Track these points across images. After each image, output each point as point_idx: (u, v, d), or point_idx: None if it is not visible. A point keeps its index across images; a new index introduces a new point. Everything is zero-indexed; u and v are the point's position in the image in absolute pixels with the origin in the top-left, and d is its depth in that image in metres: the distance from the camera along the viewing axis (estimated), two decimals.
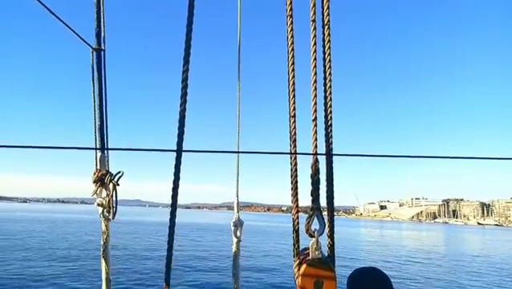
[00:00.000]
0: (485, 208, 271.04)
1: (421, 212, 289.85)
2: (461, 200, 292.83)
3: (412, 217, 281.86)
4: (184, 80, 1.78)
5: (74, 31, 1.88)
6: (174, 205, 1.73)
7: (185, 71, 1.79)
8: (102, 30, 1.99)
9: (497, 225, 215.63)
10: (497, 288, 17.90)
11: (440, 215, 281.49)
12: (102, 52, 1.99)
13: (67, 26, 1.79)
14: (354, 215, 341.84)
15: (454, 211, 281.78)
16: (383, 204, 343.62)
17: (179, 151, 1.75)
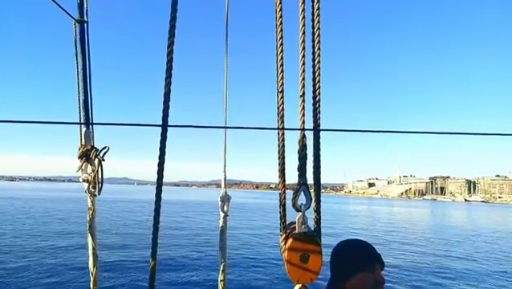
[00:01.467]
0: (471, 185, 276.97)
1: (409, 189, 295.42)
2: (448, 177, 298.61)
3: (401, 194, 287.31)
4: (169, 54, 1.75)
5: (55, 2, 1.82)
6: (160, 181, 1.73)
7: (170, 45, 1.76)
8: (84, 0, 1.93)
9: (483, 201, 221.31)
10: (486, 261, 18.51)
11: (427, 192, 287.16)
12: (85, 24, 1.93)
13: None
14: (343, 192, 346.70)
15: (442, 188, 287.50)
16: (371, 181, 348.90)
17: (164, 126, 1.74)
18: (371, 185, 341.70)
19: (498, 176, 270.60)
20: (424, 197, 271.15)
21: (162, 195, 1.68)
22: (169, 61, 1.74)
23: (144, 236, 20.46)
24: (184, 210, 44.27)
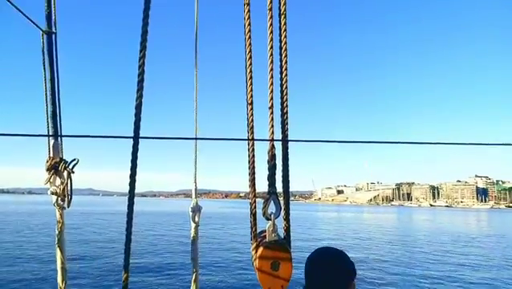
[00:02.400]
0: (435, 190, 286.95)
1: (377, 196, 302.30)
2: (413, 184, 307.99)
3: (370, 200, 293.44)
4: (141, 66, 1.77)
5: (23, 13, 1.80)
6: (132, 193, 1.73)
7: (142, 58, 1.78)
8: (52, 12, 1.92)
9: (447, 206, 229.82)
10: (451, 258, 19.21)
11: (394, 198, 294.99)
12: (53, 35, 1.92)
13: (16, 7, 1.71)
14: (313, 200, 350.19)
15: (408, 194, 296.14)
16: (340, 188, 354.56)
17: (136, 138, 1.75)
18: (339, 192, 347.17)
19: (459, 181, 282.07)
20: (392, 203, 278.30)
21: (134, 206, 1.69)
22: (141, 73, 1.76)
23: (115, 248, 19.92)
24: (157, 221, 43.41)
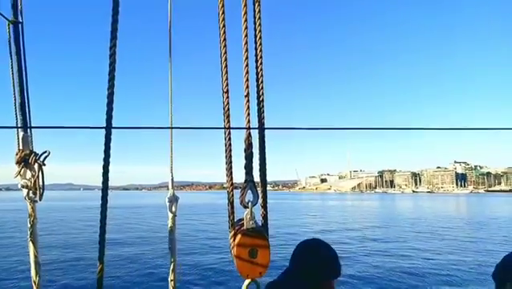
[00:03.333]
0: (416, 177, 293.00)
1: (361, 183, 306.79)
2: (395, 171, 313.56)
3: (353, 188, 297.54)
4: (112, 55, 1.74)
5: None
6: (105, 184, 1.71)
7: (113, 47, 1.75)
8: (18, 1, 1.86)
9: (428, 192, 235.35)
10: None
11: (377, 186, 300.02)
12: (19, 25, 1.86)
13: None
14: (297, 189, 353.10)
15: (392, 181, 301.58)
16: (323, 177, 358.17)
17: (108, 128, 1.73)
18: (323, 180, 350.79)
19: (439, 167, 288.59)
20: (376, 190, 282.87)
21: (109, 199, 1.67)
22: (112, 63, 1.73)
23: (92, 241, 19.84)
24: (138, 213, 43.14)
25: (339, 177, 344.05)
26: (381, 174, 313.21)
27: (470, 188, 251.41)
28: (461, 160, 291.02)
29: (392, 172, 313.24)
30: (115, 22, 1.73)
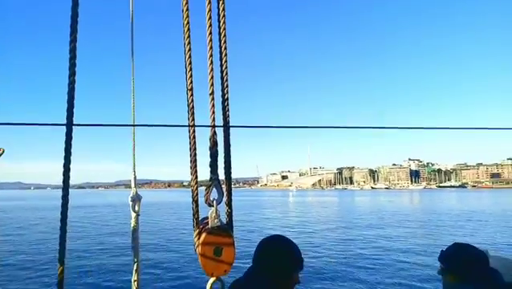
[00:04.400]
0: (373, 174, 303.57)
1: (321, 180, 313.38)
2: (353, 168, 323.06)
3: (314, 184, 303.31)
4: (72, 51, 1.69)
5: None
6: (66, 183, 1.66)
7: (73, 41, 1.70)
8: None
9: (386, 188, 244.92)
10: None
11: (336, 182, 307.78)
12: None
13: None
14: (259, 186, 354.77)
15: (350, 178, 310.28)
16: (284, 174, 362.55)
17: (69, 125, 1.67)
18: (284, 177, 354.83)
19: (395, 164, 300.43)
20: (336, 186, 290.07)
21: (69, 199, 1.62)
22: (72, 58, 1.68)
23: (45, 241, 19.04)
24: (99, 213, 41.67)
25: (300, 174, 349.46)
26: (340, 171, 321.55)
27: (424, 184, 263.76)
28: (415, 157, 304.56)
29: (351, 169, 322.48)
30: (74, 15, 1.68)
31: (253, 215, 38.84)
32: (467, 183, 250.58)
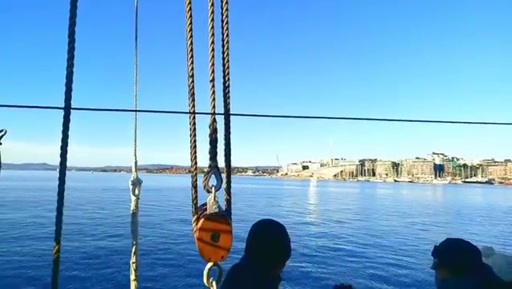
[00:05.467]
0: (396, 167, 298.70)
1: (342, 171, 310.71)
2: (375, 160, 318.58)
3: (335, 175, 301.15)
4: (71, 35, 1.71)
5: None
6: (63, 166, 1.69)
7: (72, 25, 1.72)
8: None
9: (410, 181, 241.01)
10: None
11: (357, 174, 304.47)
12: None
13: None
14: (279, 175, 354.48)
15: (373, 170, 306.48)
16: (305, 164, 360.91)
17: (67, 108, 1.71)
18: (305, 167, 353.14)
19: (418, 158, 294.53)
20: (358, 178, 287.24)
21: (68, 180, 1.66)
22: (71, 42, 1.70)
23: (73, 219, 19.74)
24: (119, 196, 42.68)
25: (321, 165, 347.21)
26: (362, 163, 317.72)
27: (449, 178, 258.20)
28: (439, 151, 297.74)
29: (373, 161, 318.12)
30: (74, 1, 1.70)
31: (268, 203, 39.01)
32: (494, 179, 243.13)
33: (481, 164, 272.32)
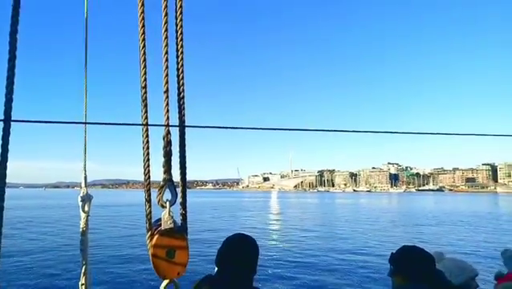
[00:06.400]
0: (354, 177, 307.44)
1: (302, 182, 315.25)
2: (334, 170, 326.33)
3: (296, 186, 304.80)
4: (13, 43, 1.61)
5: None
6: (2, 181, 1.58)
7: (14, 33, 1.62)
8: None
9: (368, 191, 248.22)
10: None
11: (317, 185, 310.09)
12: None
13: None
14: (240, 187, 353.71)
15: (332, 181, 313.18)
16: (266, 176, 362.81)
17: (7, 120, 1.60)
18: (265, 179, 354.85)
19: (374, 168, 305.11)
20: (318, 189, 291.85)
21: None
22: (12, 50, 1.61)
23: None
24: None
25: (281, 176, 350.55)
26: (321, 174, 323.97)
27: (404, 187, 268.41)
28: (394, 161, 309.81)
29: (331, 171, 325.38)
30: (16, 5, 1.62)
31: (231, 217, 38.78)
32: (444, 187, 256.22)
33: (432, 173, 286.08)
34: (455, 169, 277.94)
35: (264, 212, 47.30)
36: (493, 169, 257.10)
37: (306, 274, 12.90)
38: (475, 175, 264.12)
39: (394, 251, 2.35)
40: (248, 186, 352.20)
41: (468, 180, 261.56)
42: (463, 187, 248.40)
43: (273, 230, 26.06)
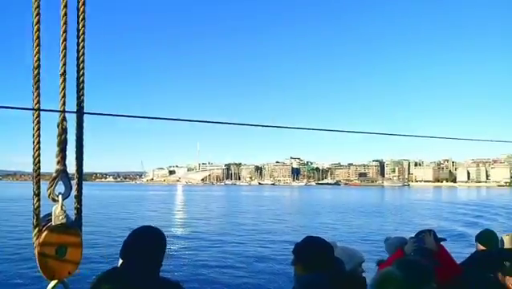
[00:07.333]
0: (259, 170, 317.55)
1: (209, 175, 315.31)
2: (240, 164, 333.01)
3: (203, 179, 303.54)
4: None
5: None
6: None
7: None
8: None
9: (272, 184, 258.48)
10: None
11: (224, 178, 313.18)
12: None
13: None
14: (145, 181, 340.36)
15: (239, 174, 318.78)
16: (171, 169, 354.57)
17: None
18: (171, 172, 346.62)
19: (278, 162, 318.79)
20: (226, 182, 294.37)
21: None
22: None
23: None
24: None
25: (188, 169, 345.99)
26: (228, 167, 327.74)
27: (305, 181, 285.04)
28: (296, 156, 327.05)
29: (238, 165, 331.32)
30: None
31: (132, 210, 37.32)
32: (340, 181, 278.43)
33: (330, 168, 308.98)
34: (350, 165, 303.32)
35: (168, 205, 46.36)
36: (381, 165, 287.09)
37: (207, 266, 13.01)
38: (367, 170, 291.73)
39: (298, 242, 2.47)
40: (153, 179, 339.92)
41: (360, 174, 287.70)
42: (356, 181, 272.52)
43: (176, 223, 25.68)
